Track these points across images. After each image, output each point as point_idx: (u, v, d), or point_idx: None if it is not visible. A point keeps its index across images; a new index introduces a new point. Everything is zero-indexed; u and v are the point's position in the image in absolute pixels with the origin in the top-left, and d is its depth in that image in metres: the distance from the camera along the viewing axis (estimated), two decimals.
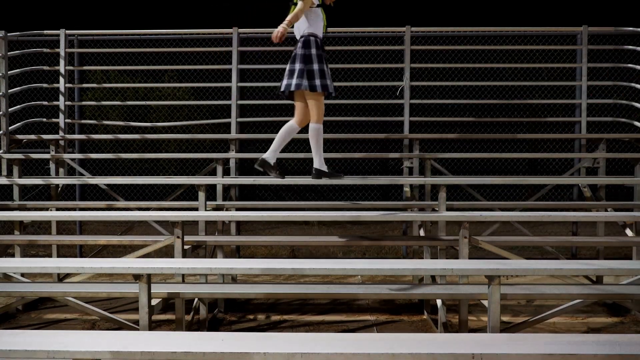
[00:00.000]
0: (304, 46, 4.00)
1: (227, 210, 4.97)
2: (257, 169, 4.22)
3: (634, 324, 4.44)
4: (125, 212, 4.75)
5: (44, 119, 5.77)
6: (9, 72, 5.29)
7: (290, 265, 3.24)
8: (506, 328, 3.28)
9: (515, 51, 5.93)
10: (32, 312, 4.81)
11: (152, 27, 5.88)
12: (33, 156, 5.27)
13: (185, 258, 4.05)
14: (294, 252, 7.13)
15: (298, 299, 5.05)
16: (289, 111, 4.98)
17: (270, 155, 4.18)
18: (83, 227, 6.84)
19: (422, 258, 4.81)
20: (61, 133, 5.69)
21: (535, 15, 11.55)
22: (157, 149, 7.49)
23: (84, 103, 6.12)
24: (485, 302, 3.20)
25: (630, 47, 5.45)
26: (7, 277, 4.58)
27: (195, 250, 4.49)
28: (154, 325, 3.87)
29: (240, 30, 5.66)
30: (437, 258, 4.49)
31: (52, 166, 5.41)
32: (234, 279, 5.15)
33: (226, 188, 5.34)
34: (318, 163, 4.20)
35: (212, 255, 4.82)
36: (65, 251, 5.78)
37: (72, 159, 5.47)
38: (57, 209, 5.04)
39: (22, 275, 4.58)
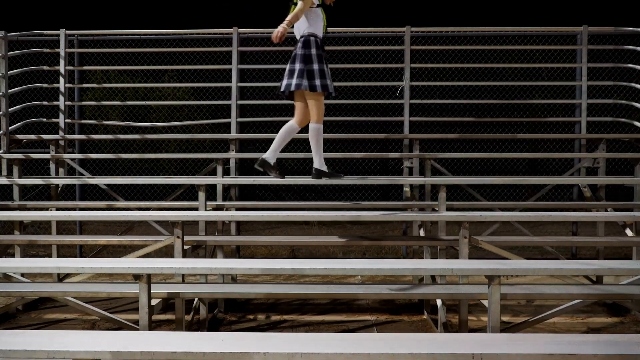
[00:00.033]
0: (304, 46, 3.99)
1: (227, 210, 4.98)
2: (257, 169, 4.22)
3: (634, 324, 4.44)
4: (125, 212, 4.75)
5: (44, 119, 5.77)
6: (9, 72, 5.30)
7: (290, 265, 3.24)
8: (506, 328, 3.29)
9: (515, 51, 5.93)
10: (32, 312, 4.81)
11: (152, 27, 5.88)
12: (33, 156, 5.27)
13: (185, 258, 4.05)
14: (294, 252, 7.13)
15: (298, 299, 5.05)
16: (289, 111, 4.98)
17: (270, 155, 4.18)
18: (83, 227, 6.84)
19: (422, 258, 4.81)
20: (61, 133, 5.69)
21: (535, 15, 11.56)
22: (157, 149, 7.50)
23: (84, 103, 6.12)
24: (485, 302, 3.20)
25: (630, 47, 5.45)
26: (7, 277, 4.58)
27: (195, 250, 4.49)
28: (154, 325, 3.87)
29: (240, 30, 5.66)
30: (437, 258, 4.49)
31: (52, 166, 5.41)
32: (234, 279, 5.15)
33: (226, 188, 5.35)
34: (318, 163, 4.20)
35: (212, 255, 4.82)
36: (65, 251, 5.79)
37: (72, 159, 5.47)
38: (57, 209, 5.04)
39: (22, 275, 4.59)
